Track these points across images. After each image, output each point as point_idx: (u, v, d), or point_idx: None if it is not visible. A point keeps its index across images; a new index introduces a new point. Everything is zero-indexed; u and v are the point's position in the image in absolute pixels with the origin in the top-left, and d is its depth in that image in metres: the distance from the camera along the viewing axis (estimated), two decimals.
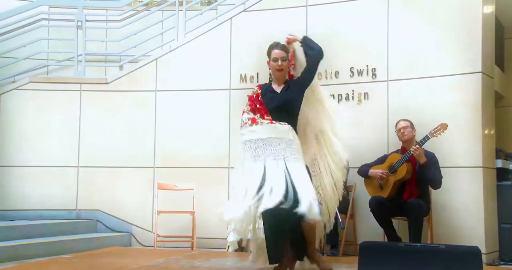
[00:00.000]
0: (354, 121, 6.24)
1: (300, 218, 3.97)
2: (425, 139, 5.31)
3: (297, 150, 4.13)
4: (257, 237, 4.25)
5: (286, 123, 4.18)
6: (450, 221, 5.70)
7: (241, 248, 5.56)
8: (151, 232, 6.81)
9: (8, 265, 4.95)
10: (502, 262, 5.56)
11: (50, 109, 7.24)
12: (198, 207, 6.56)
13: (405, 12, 6.21)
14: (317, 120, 4.41)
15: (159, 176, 6.91)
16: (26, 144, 7.17)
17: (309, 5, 6.68)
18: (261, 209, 3.87)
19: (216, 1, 7.92)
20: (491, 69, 6.12)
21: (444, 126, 5.29)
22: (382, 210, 5.37)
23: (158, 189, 6.69)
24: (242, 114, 4.34)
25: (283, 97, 4.30)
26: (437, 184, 5.40)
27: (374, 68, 6.30)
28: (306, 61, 4.40)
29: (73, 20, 7.76)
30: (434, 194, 5.62)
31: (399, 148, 5.63)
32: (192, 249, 6.46)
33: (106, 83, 7.32)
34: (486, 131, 5.80)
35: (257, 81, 6.52)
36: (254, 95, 4.36)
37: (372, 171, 5.59)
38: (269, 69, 4.46)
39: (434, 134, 5.29)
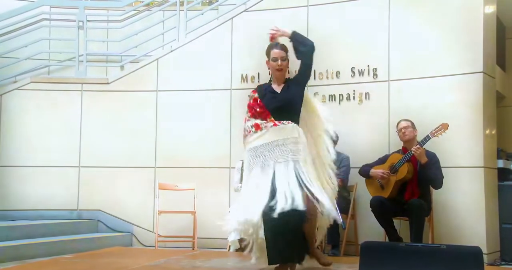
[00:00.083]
0: (355, 121, 6.32)
1: (301, 218, 3.99)
2: (426, 138, 5.30)
3: (304, 148, 4.15)
4: (258, 237, 4.24)
5: (290, 121, 4.18)
6: (451, 221, 5.70)
7: (241, 248, 5.56)
8: (152, 232, 6.82)
9: (9, 265, 4.95)
10: (503, 262, 5.56)
11: (52, 110, 7.25)
12: (199, 207, 6.56)
13: (406, 12, 6.21)
14: (311, 127, 4.43)
15: (160, 176, 6.91)
16: (27, 144, 7.17)
17: (310, 5, 6.68)
18: (277, 213, 3.88)
19: (217, 1, 7.92)
20: (493, 69, 6.11)
21: (445, 126, 5.28)
22: (383, 210, 5.37)
23: (159, 189, 6.69)
24: (244, 123, 4.31)
25: (283, 97, 4.30)
26: (438, 184, 5.39)
27: (375, 68, 6.30)
28: (298, 57, 4.35)
29: (74, 20, 7.78)
30: (435, 194, 5.61)
31: (400, 148, 5.63)
32: (193, 249, 6.46)
33: (107, 83, 7.32)
34: (487, 131, 5.80)
35: (258, 81, 6.52)
36: (252, 101, 4.33)
37: (373, 171, 5.58)
38: (268, 69, 4.44)
39: (435, 134, 5.29)
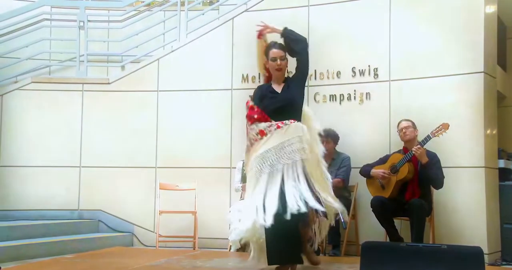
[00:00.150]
0: (356, 121, 6.31)
1: (304, 219, 3.99)
2: (427, 138, 5.30)
3: (309, 145, 4.15)
4: (258, 237, 4.23)
5: (292, 120, 4.18)
6: (452, 221, 5.70)
7: (242, 247, 5.56)
8: (153, 232, 6.82)
9: (10, 265, 4.94)
10: (504, 262, 5.56)
11: (52, 110, 7.26)
12: (199, 207, 6.56)
13: (407, 12, 6.21)
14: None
15: (161, 176, 6.91)
16: (28, 144, 7.18)
17: (311, 5, 6.68)
18: (288, 215, 3.88)
19: (218, 1, 7.92)
20: (493, 69, 6.11)
21: (445, 126, 5.28)
22: (384, 210, 5.36)
23: (160, 189, 6.69)
24: (247, 134, 4.26)
25: (284, 97, 4.28)
26: (439, 184, 5.39)
27: (376, 68, 6.30)
28: (293, 55, 4.31)
29: (75, 21, 7.78)
30: (436, 194, 5.61)
31: (401, 147, 5.63)
32: (194, 249, 6.46)
33: (108, 83, 7.32)
34: (488, 131, 5.79)
35: (259, 81, 6.51)
36: (249, 111, 4.29)
37: (374, 171, 5.58)
38: (264, 70, 4.41)
39: (436, 134, 5.29)
